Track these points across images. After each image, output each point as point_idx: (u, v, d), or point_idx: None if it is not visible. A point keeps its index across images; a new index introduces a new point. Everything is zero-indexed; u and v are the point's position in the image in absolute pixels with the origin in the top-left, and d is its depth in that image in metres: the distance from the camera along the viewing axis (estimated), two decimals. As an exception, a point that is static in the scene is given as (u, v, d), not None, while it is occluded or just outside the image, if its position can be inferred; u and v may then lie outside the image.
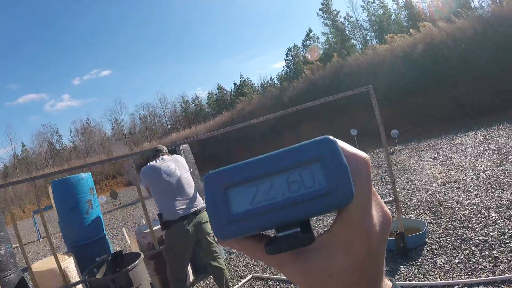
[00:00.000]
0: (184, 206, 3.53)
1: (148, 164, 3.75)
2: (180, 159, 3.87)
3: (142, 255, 3.98)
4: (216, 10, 74.37)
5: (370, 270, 0.34)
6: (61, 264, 4.64)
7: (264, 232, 0.34)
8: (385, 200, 4.15)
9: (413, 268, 3.76)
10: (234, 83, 47.85)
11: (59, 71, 68.81)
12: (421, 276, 3.57)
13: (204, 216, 3.63)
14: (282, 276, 4.32)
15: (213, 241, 3.66)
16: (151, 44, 74.64)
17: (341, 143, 0.32)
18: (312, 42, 38.37)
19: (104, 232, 5.74)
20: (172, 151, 5.08)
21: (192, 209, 3.55)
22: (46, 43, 67.35)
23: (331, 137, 0.31)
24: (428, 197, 5.86)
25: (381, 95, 16.62)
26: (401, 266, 3.87)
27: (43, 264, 5.16)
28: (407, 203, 5.87)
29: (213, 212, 0.31)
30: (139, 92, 77.07)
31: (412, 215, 5.28)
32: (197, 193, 3.77)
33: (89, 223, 5.45)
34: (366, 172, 0.33)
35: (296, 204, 0.30)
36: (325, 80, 21.64)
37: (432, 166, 7.90)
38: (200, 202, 3.69)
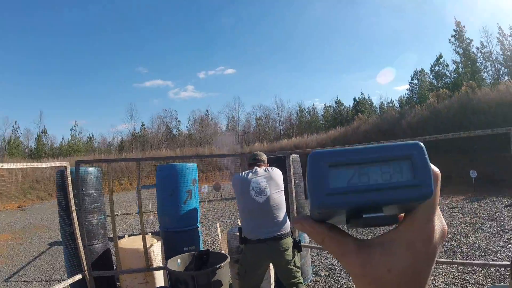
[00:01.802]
0: (265, 230, 3.35)
1: (241, 173, 3.63)
2: (276, 175, 3.58)
3: (228, 258, 3.95)
4: (345, 24, 73.33)
5: (421, 275, 0.36)
6: (148, 246, 4.87)
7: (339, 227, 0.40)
8: (499, 262, 3.63)
9: None
10: (354, 99, 47.01)
11: (188, 63, 73.81)
12: None
13: (286, 243, 3.39)
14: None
15: (293, 267, 3.42)
16: (275, 49, 76.31)
17: None
18: (441, 68, 36.02)
19: (198, 224, 5.79)
20: (279, 159, 5.04)
21: (275, 233, 3.35)
22: (181, 36, 72.82)
23: (420, 143, 0.35)
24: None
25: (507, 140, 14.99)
26: None
27: (130, 242, 5.36)
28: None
29: (314, 184, 0.35)
30: (257, 93, 79.34)
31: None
32: (286, 217, 3.53)
33: (185, 212, 5.52)
34: (438, 183, 0.36)
35: (385, 190, 0.34)
36: (450, 111, 20.06)
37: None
38: (286, 227, 3.44)
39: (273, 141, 42.94)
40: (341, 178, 0.35)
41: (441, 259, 5.76)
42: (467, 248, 6.31)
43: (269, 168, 3.63)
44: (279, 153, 4.83)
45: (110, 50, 69.52)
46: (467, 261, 3.76)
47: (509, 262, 3.56)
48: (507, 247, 6.12)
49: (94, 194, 5.37)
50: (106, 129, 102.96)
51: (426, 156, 0.34)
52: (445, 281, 4.94)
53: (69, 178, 4.80)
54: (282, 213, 3.44)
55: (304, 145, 29.09)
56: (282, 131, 51.49)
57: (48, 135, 48.78)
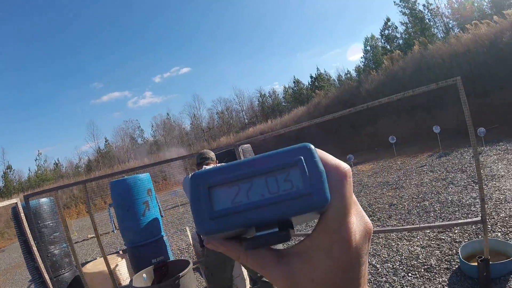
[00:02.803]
0: None
1: (189, 175, 3.48)
2: None
3: (191, 264, 3.82)
4: (290, 3, 73.42)
5: (350, 279, 0.34)
6: (113, 266, 4.87)
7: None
8: (470, 220, 3.47)
9: (497, 306, 3.11)
10: (311, 76, 46.66)
11: (142, 70, 73.12)
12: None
13: None
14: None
15: None
16: (226, 41, 75.83)
17: (322, 153, 0.35)
18: (390, 31, 36.35)
19: (162, 233, 5.67)
20: (230, 153, 4.81)
21: None
22: (129, 44, 71.85)
23: (309, 145, 0.33)
24: (519, 212, 5.00)
25: (465, 89, 15.20)
26: (482, 302, 3.22)
27: (96, 265, 5.24)
28: (493, 218, 5.03)
29: (197, 208, 0.33)
30: (216, 88, 79.02)
31: (499, 234, 4.49)
32: None
33: (145, 224, 5.38)
34: (347, 182, 0.34)
35: (273, 204, 0.32)
36: (406, 71, 20.21)
37: (524, 173, 6.84)
38: None
39: (239, 131, 42.84)
40: (224, 198, 0.33)
41: (414, 225, 5.69)
42: (439, 206, 6.22)
43: (218, 165, 3.42)
44: (228, 147, 4.54)
45: (60, 74, 67.85)
46: (434, 224, 3.60)
47: (479, 218, 3.40)
48: (480, 198, 6.04)
49: (51, 224, 5.39)
50: (71, 152, 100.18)
51: (316, 159, 0.32)
52: (421, 245, 4.81)
53: (22, 214, 4.71)
54: None
55: (270, 129, 29.03)
56: (247, 120, 51.14)
57: (13, 170, 47.58)
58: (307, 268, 0.34)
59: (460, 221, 3.66)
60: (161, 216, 15.74)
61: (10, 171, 46.65)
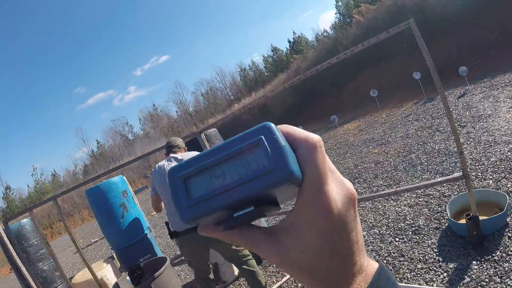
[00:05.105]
0: None
1: (156, 166, 3.41)
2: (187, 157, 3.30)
3: (168, 260, 3.73)
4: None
5: (340, 247, 0.35)
6: (98, 273, 4.90)
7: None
8: (451, 177, 3.23)
9: (488, 266, 2.90)
10: (289, 41, 45.74)
11: (122, 66, 72.55)
12: (498, 280, 2.72)
13: None
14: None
15: (237, 248, 3.27)
16: (198, 21, 75.16)
17: (289, 128, 0.36)
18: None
19: (145, 231, 5.63)
20: (194, 141, 4.61)
21: None
22: (104, 43, 71.04)
23: (269, 124, 0.34)
24: (509, 153, 4.76)
25: (443, 27, 14.77)
26: (474, 263, 3.02)
27: (83, 275, 5.22)
28: (483, 163, 4.81)
29: (176, 200, 0.35)
30: (197, 70, 78.35)
31: (491, 181, 4.27)
32: None
33: (126, 226, 5.38)
34: (317, 152, 0.34)
35: (243, 184, 0.33)
36: (378, 21, 19.60)
37: (511, 109, 6.61)
38: None
39: (225, 109, 42.58)
40: (199, 186, 0.34)
41: (400, 183, 5.50)
42: (426, 158, 6.01)
43: (185, 153, 3.43)
44: (192, 135, 4.27)
45: (41, 86, 66.91)
46: (413, 186, 3.35)
47: (461, 174, 3.16)
48: (468, 143, 5.81)
49: (36, 242, 5.60)
50: (66, 160, 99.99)
51: (276, 135, 0.33)
52: (409, 204, 4.62)
53: (5, 239, 4.61)
54: None
55: (254, 102, 28.77)
56: (232, 97, 50.60)
57: (13, 189, 47.93)
58: (295, 241, 0.34)
59: (440, 179, 3.41)
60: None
61: (9, 191, 47.13)
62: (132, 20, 73.51)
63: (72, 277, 5.37)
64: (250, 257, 3.35)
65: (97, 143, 53.37)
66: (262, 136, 0.33)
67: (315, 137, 0.35)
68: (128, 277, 3.88)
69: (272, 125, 0.34)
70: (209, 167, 0.34)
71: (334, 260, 0.34)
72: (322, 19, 71.02)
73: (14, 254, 4.53)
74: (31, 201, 43.12)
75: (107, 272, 5.12)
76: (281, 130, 0.35)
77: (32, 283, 4.53)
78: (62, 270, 4.76)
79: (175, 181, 0.35)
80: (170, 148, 3.49)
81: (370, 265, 0.37)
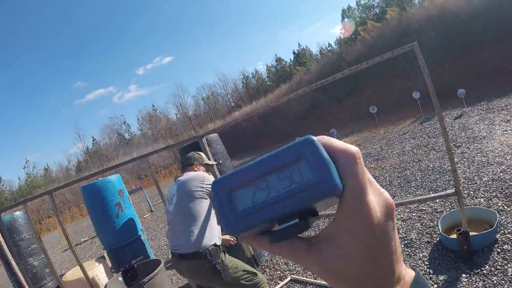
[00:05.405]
0: (177, 243, 2.73)
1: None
2: (188, 179, 2.85)
3: (162, 263, 3.72)
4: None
5: (380, 256, 0.35)
6: (90, 272, 4.85)
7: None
8: (444, 193, 3.30)
9: (477, 279, 2.97)
10: (294, 53, 46.33)
11: (125, 64, 72.36)
12: (487, 292, 2.78)
13: (194, 266, 2.66)
14: (322, 281, 3.79)
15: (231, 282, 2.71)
16: (206, 25, 75.65)
17: (329, 140, 0.36)
18: (366, 1, 35.76)
19: (139, 233, 5.60)
20: (195, 145, 4.50)
21: (182, 250, 2.68)
22: (109, 40, 70.98)
23: (311, 137, 0.34)
24: (501, 174, 4.84)
25: (443, 50, 14.97)
26: (463, 276, 3.08)
27: (74, 273, 5.15)
28: (476, 182, 4.90)
29: (222, 212, 0.35)
30: (200, 74, 78.61)
31: (482, 199, 4.35)
32: (203, 231, 2.69)
33: (120, 226, 5.35)
34: (357, 163, 0.34)
35: (289, 197, 0.33)
36: (384, 40, 19.88)
37: (505, 132, 6.71)
38: (196, 245, 2.63)
39: (225, 115, 42.55)
40: (244, 199, 0.35)
41: (395, 197, 5.54)
42: (421, 174, 6.09)
43: (187, 173, 2.96)
44: (193, 139, 4.30)
45: (41, 77, 66.50)
46: (406, 201, 3.43)
47: (453, 191, 3.23)
48: (462, 162, 5.90)
49: (27, 236, 5.40)
50: (60, 156, 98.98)
51: (319, 149, 0.34)
52: (402, 218, 4.68)
53: None
54: (193, 225, 2.70)
55: (255, 110, 28.94)
56: (233, 104, 50.73)
57: (4, 181, 47.34)
58: (336, 251, 0.35)
59: (433, 194, 3.48)
60: (151, 211, 15.75)
61: (0, 183, 46.49)
62: (139, 19, 73.80)
63: (62, 275, 5.28)
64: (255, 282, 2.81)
65: (93, 140, 53.10)
66: (305, 149, 0.33)
67: (354, 148, 0.35)
68: (120, 278, 3.85)
69: (314, 138, 0.34)
70: (253, 180, 0.35)
71: (374, 269, 0.35)
72: (329, 33, 71.63)
73: (5, 247, 4.45)
74: (21, 194, 42.72)
75: (98, 272, 5.08)
76: (321, 141, 0.35)
77: (22, 279, 4.45)
78: (54, 267, 4.66)
79: (220, 194, 0.35)
80: (183, 165, 3.13)
81: (407, 273, 0.37)
